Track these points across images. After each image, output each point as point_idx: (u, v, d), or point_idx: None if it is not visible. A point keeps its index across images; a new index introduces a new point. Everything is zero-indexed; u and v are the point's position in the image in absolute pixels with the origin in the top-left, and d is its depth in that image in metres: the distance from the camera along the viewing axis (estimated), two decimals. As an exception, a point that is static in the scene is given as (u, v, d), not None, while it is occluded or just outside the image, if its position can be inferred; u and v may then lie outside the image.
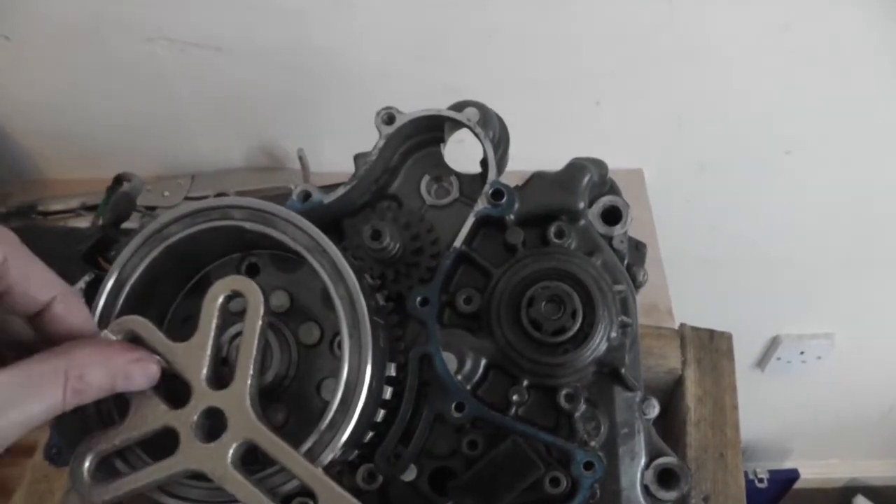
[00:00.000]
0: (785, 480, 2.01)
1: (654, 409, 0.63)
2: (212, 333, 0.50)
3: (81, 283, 0.64)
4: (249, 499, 0.47)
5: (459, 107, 0.61)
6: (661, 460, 0.60)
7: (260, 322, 0.50)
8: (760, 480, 1.96)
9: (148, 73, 1.12)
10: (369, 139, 1.23)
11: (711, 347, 0.91)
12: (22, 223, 1.22)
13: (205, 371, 0.50)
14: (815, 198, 1.34)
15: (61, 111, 1.21)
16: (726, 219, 1.38)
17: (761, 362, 1.76)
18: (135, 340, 0.50)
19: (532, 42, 1.07)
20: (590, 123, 1.19)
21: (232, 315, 0.53)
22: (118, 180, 1.13)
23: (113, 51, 1.09)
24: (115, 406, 0.52)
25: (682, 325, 0.94)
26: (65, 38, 1.09)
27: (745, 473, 1.95)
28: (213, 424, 0.50)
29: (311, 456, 0.49)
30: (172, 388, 0.51)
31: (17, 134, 1.25)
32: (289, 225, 0.53)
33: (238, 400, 0.49)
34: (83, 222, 1.19)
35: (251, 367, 0.50)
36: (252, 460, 0.51)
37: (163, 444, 0.50)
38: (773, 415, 2.00)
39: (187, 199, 1.23)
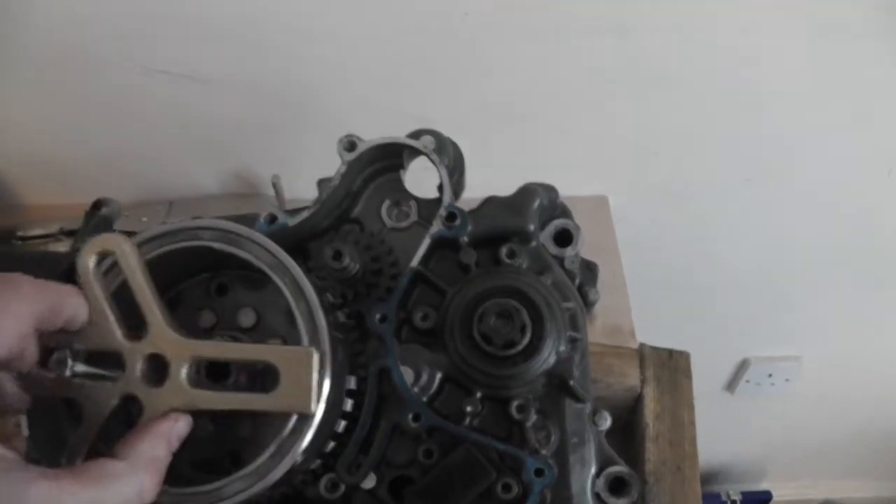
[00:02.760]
0: (758, 502, 2.04)
1: (606, 421, 0.66)
2: (103, 298, 0.53)
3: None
4: (229, 403, 0.52)
5: (417, 134, 0.65)
6: (611, 469, 0.64)
7: (138, 262, 0.54)
8: (734, 502, 1.99)
9: (128, 102, 1.16)
10: (343, 166, 1.26)
11: (670, 366, 0.95)
12: (1, 248, 1.24)
13: (119, 332, 0.53)
14: (775, 224, 1.39)
15: (42, 137, 1.24)
16: (692, 244, 1.43)
17: (731, 385, 1.80)
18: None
19: (499, 75, 1.11)
20: (556, 152, 1.23)
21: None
22: (97, 205, 1.16)
23: (95, 80, 1.13)
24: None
25: (642, 345, 0.97)
26: (49, 67, 1.12)
27: (718, 495, 1.99)
28: (159, 370, 0.53)
29: (273, 462, 0.52)
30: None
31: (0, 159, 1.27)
32: (253, 245, 0.56)
33: (162, 333, 0.53)
34: (62, 246, 1.22)
35: (155, 303, 0.53)
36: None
37: None
38: (745, 437, 2.03)
39: (164, 224, 1.26)
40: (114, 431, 0.52)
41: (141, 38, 1.05)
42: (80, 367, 0.53)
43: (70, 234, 1.24)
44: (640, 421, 0.91)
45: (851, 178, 1.30)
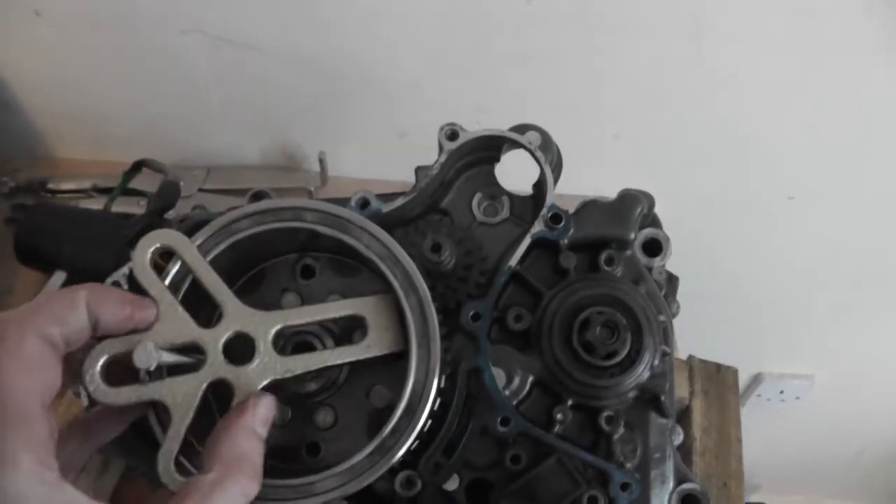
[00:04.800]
0: (752, 514, 2.05)
1: (679, 437, 0.65)
2: (167, 293, 0.52)
3: (126, 269, 0.64)
4: (325, 360, 0.52)
5: (521, 129, 0.63)
6: (685, 486, 0.62)
7: (198, 252, 0.53)
8: (728, 513, 2.00)
9: (177, 64, 1.13)
10: (390, 149, 1.24)
11: (718, 380, 0.94)
12: (33, 199, 1.21)
13: (192, 321, 0.51)
14: (810, 244, 1.39)
15: (82, 92, 1.21)
16: (726, 256, 1.42)
17: (742, 398, 1.79)
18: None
19: (561, 70, 1.09)
20: (607, 154, 1.22)
21: None
22: (137, 166, 1.13)
23: (145, 38, 1.10)
24: None
25: (691, 357, 0.96)
26: (97, 20, 1.08)
27: (714, 505, 2.00)
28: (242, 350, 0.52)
29: (371, 461, 0.51)
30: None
31: (34, 111, 1.24)
32: (363, 232, 0.54)
33: (240, 312, 0.52)
34: (95, 203, 1.19)
35: (223, 286, 0.52)
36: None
37: None
38: (747, 449, 2.03)
39: (201, 191, 1.23)
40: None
41: (205, 3, 1.02)
42: (167, 357, 0.51)
43: (103, 191, 1.21)
44: (688, 434, 0.90)
45: (880, 211, 1.30)
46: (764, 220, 1.34)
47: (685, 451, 0.89)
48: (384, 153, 1.22)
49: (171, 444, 0.48)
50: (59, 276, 0.98)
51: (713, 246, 1.40)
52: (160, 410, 0.50)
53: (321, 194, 1.19)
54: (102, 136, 1.27)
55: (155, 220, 0.70)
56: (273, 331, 0.51)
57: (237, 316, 0.51)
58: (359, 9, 1.03)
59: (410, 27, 1.05)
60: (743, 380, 1.76)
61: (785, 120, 1.16)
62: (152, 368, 0.50)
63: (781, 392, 1.73)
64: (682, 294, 1.35)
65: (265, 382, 0.50)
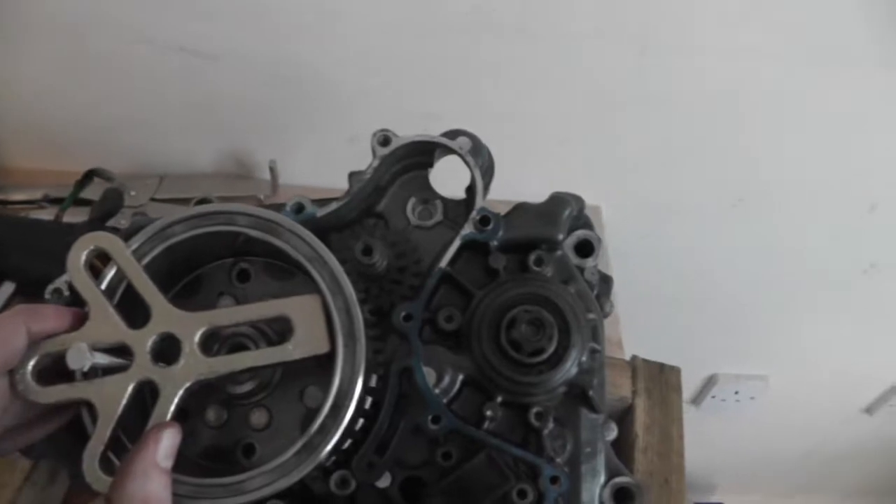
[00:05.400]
0: (711, 514, 2.09)
1: (613, 432, 0.66)
2: (100, 295, 0.53)
3: (66, 276, 0.65)
4: (249, 361, 0.53)
5: (452, 135, 0.65)
6: (617, 479, 0.64)
7: (130, 254, 0.54)
8: (687, 513, 2.03)
9: (129, 72, 1.13)
10: (340, 157, 1.25)
11: (661, 380, 0.96)
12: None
13: (121, 322, 0.53)
14: (760, 246, 1.42)
15: (33, 100, 1.21)
16: (677, 259, 1.45)
17: (697, 399, 1.83)
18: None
19: (510, 78, 1.12)
20: (555, 158, 1.24)
21: None
22: (89, 175, 1.13)
23: (96, 47, 1.10)
24: None
25: (634, 357, 0.98)
26: (46, 29, 1.09)
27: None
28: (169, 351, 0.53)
29: (299, 459, 0.52)
30: None
31: (-18, 120, 1.23)
32: (292, 235, 0.55)
33: (168, 313, 0.53)
34: (46, 214, 1.18)
35: (153, 288, 0.54)
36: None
37: None
38: (703, 450, 2.05)
39: (153, 200, 1.23)
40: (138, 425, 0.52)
41: (156, 11, 1.03)
42: (101, 359, 0.52)
43: (55, 201, 1.20)
44: (630, 431, 0.92)
45: (832, 213, 1.34)
46: (713, 222, 1.37)
47: (628, 448, 0.91)
48: (335, 161, 1.21)
49: (95, 443, 0.49)
50: (8, 287, 0.98)
51: (663, 250, 1.43)
52: (92, 411, 0.51)
53: (271, 202, 1.19)
54: (55, 145, 1.26)
55: (97, 226, 0.70)
56: (199, 332, 0.52)
57: (164, 317, 0.52)
58: (310, 16, 1.04)
59: (362, 35, 1.06)
60: (698, 381, 1.80)
61: (731, 125, 1.19)
62: (86, 369, 0.51)
63: (736, 393, 1.77)
64: (634, 297, 1.38)
65: (189, 383, 0.51)
